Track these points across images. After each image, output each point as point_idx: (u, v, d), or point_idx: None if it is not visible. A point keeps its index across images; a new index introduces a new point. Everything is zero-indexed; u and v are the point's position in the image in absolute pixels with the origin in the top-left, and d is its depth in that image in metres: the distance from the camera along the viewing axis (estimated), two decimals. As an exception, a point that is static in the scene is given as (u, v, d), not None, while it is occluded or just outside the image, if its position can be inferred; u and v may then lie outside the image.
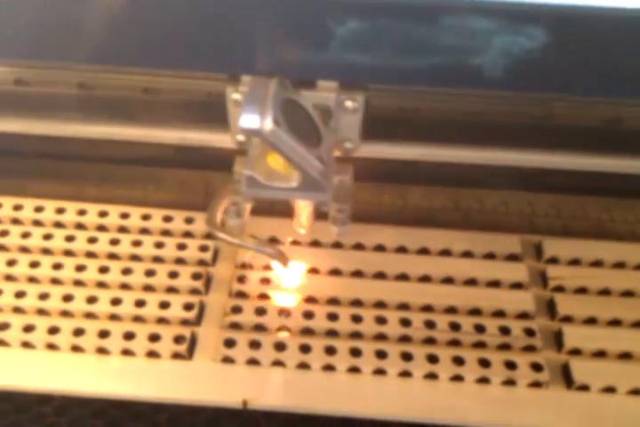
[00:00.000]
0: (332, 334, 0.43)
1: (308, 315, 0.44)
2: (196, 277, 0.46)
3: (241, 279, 0.46)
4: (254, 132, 0.30)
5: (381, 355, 0.42)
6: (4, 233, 0.48)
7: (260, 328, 0.43)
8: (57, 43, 0.29)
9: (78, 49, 0.29)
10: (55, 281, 0.46)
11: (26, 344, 0.42)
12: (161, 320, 0.44)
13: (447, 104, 0.47)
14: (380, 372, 0.41)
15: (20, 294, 0.44)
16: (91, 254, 0.47)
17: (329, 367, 0.42)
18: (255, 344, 0.42)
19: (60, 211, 0.50)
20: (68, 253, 0.47)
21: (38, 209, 0.50)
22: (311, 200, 0.38)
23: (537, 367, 0.41)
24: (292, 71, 0.30)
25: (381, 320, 0.44)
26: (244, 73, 0.35)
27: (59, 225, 0.49)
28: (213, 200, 0.41)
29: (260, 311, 0.44)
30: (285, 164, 0.35)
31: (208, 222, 0.41)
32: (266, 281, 0.46)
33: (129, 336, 0.42)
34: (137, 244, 0.48)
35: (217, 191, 0.41)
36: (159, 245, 0.48)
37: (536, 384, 0.41)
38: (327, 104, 0.36)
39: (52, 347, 0.42)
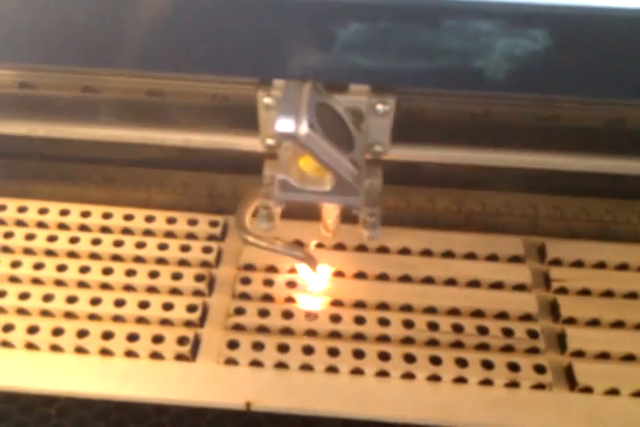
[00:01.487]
0: (334, 335, 0.43)
1: (311, 317, 0.44)
2: (199, 278, 0.46)
3: (245, 281, 0.46)
4: (289, 137, 0.30)
5: (384, 357, 0.42)
6: (9, 235, 0.48)
7: (263, 330, 0.44)
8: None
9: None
10: (59, 283, 0.46)
11: (30, 346, 0.43)
12: (164, 322, 0.44)
13: (452, 105, 0.47)
14: (382, 374, 0.42)
15: (23, 296, 0.44)
16: (94, 256, 0.48)
17: (332, 369, 0.42)
18: (258, 346, 0.42)
19: (64, 213, 0.50)
20: (72, 254, 0.48)
21: (42, 211, 0.50)
22: (343, 204, 0.38)
23: (540, 369, 0.41)
24: (326, 75, 0.29)
25: (384, 322, 0.44)
26: (276, 77, 0.34)
27: (63, 227, 0.50)
28: (241, 203, 0.41)
29: (264, 313, 0.44)
30: (317, 167, 0.35)
31: (237, 226, 0.40)
32: (269, 282, 0.46)
33: (132, 338, 0.43)
34: (140, 245, 0.48)
35: (245, 194, 0.41)
36: (163, 247, 0.48)
37: (539, 386, 0.41)
38: (359, 107, 0.36)
39: (55, 348, 0.42)
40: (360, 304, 0.45)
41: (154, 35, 0.28)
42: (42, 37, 0.29)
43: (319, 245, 0.49)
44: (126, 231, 0.49)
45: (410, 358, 0.42)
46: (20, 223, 0.50)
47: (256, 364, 0.42)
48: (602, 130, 0.48)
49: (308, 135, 0.30)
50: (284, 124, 0.29)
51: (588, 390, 0.41)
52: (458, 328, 0.43)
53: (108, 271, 0.46)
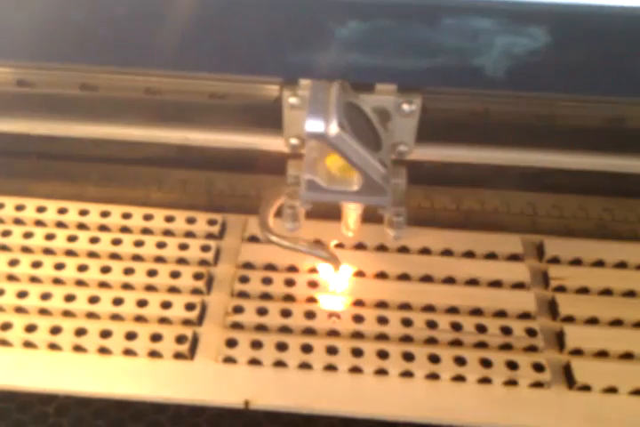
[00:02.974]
0: (333, 334, 0.43)
1: (309, 315, 0.44)
2: (197, 276, 0.46)
3: (243, 279, 0.46)
4: (319, 137, 0.30)
5: (383, 355, 0.42)
6: (7, 233, 0.48)
7: (261, 328, 0.44)
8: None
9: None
10: (57, 281, 0.46)
11: (28, 344, 0.42)
12: (163, 320, 0.44)
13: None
14: (381, 372, 0.42)
15: (22, 294, 0.44)
16: (93, 254, 0.47)
17: (330, 367, 0.42)
18: (257, 344, 0.42)
19: (62, 211, 0.50)
20: (70, 253, 0.48)
21: (40, 209, 0.50)
22: (371, 204, 0.38)
23: (538, 368, 0.41)
24: (354, 74, 0.29)
25: (382, 320, 0.44)
26: (305, 77, 0.34)
27: (61, 225, 0.49)
28: (264, 202, 0.41)
29: (262, 311, 0.44)
30: (344, 167, 0.35)
31: (260, 225, 0.40)
32: (267, 281, 0.46)
33: (131, 336, 0.43)
34: (139, 244, 0.48)
35: (266, 194, 0.41)
36: (161, 245, 0.48)
37: (537, 385, 0.41)
38: (385, 107, 0.36)
39: (54, 347, 0.42)
40: (358, 303, 0.45)
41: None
42: (44, 35, 0.29)
43: (317, 243, 0.49)
44: (124, 230, 0.49)
45: (408, 357, 0.42)
46: (18, 222, 0.50)
47: (255, 362, 0.42)
48: (601, 128, 0.48)
49: (338, 135, 0.30)
50: (314, 124, 0.29)
51: (586, 388, 0.41)
52: (456, 327, 0.43)
53: (106, 270, 0.46)
